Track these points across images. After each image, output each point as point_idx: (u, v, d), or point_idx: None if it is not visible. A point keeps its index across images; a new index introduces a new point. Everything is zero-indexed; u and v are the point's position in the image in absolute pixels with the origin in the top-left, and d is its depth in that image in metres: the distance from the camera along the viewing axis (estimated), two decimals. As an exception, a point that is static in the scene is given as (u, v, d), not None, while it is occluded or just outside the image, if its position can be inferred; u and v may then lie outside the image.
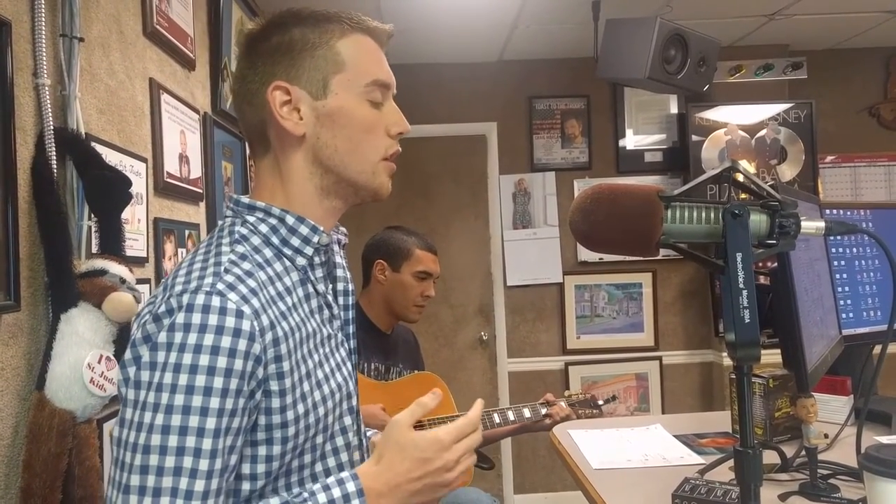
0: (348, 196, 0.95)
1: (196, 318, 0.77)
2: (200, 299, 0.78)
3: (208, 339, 0.77)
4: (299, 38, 0.90)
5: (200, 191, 2.23)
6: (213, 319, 0.77)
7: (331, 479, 0.84)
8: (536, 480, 3.92)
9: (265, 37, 0.92)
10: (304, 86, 0.90)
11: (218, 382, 0.76)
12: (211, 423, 0.76)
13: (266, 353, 0.80)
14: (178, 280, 0.82)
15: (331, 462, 0.91)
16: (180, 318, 0.77)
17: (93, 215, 1.46)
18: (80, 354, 1.29)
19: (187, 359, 0.76)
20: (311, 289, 0.92)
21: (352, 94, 0.91)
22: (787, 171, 3.79)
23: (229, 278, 0.81)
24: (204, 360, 0.76)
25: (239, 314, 0.78)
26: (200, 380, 0.76)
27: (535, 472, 3.93)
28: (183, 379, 0.76)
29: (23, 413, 1.28)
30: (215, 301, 0.78)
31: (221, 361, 0.76)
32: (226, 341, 0.77)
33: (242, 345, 0.78)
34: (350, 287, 1.04)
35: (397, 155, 0.96)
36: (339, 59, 0.90)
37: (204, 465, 0.75)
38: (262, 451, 0.83)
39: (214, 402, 0.76)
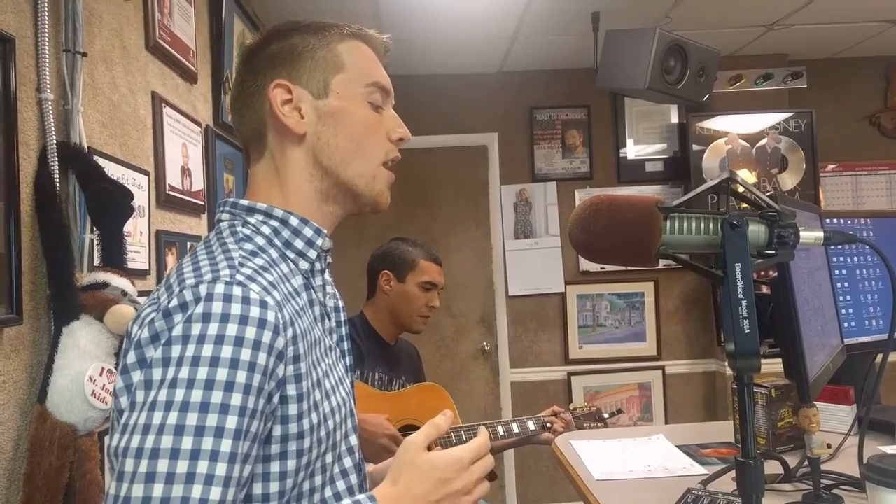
0: (347, 202, 0.93)
1: (217, 308, 0.71)
2: (220, 288, 0.73)
3: (231, 330, 0.71)
4: (300, 42, 0.91)
5: (202, 203, 2.24)
6: (236, 309, 0.72)
7: (346, 501, 0.79)
8: (540, 492, 3.90)
9: (266, 45, 0.93)
10: (306, 85, 0.90)
11: (241, 377, 0.70)
12: (232, 422, 0.69)
13: (287, 351, 0.75)
14: (186, 274, 0.77)
15: (340, 486, 0.86)
16: (199, 308, 0.72)
17: (95, 228, 1.46)
18: (82, 367, 1.29)
19: (207, 350, 0.69)
20: (313, 295, 0.90)
21: (353, 94, 0.91)
22: (788, 180, 3.80)
23: (246, 271, 0.77)
24: (227, 351, 0.70)
25: (263, 304, 0.74)
26: (222, 373, 0.69)
27: (539, 483, 3.91)
28: (202, 373, 0.69)
29: (24, 426, 1.28)
30: (237, 290, 0.73)
31: (246, 354, 0.70)
32: (250, 332, 0.71)
33: (267, 337, 0.72)
34: (340, 304, 1.01)
35: (397, 161, 0.95)
36: (340, 61, 0.91)
37: (221, 469, 0.68)
38: (275, 467, 0.77)
39: (237, 399, 0.69)
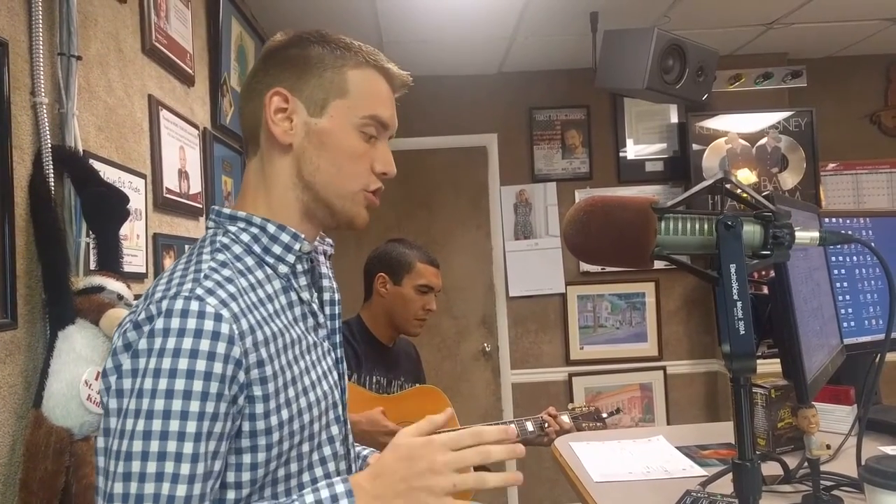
0: (325, 218, 0.97)
1: (174, 323, 0.78)
2: (179, 304, 0.79)
3: (187, 343, 0.77)
4: (314, 56, 0.94)
5: (200, 206, 2.24)
6: (191, 323, 0.78)
7: (321, 482, 0.83)
8: (541, 493, 3.89)
9: (285, 47, 0.95)
10: (304, 100, 0.93)
11: (197, 386, 0.77)
12: (192, 426, 0.76)
13: (247, 357, 0.81)
14: (159, 288, 0.84)
15: (318, 472, 0.92)
16: (159, 323, 0.79)
17: (90, 232, 1.46)
18: (78, 372, 1.29)
19: (166, 363, 0.77)
20: (294, 297, 0.94)
21: (346, 121, 0.93)
22: (789, 180, 3.79)
23: (208, 283, 0.83)
24: (183, 363, 0.77)
25: (217, 317, 0.79)
26: (180, 384, 0.76)
27: (540, 485, 3.90)
28: (163, 384, 0.76)
29: (20, 431, 1.28)
30: (193, 305, 0.79)
31: (200, 365, 0.77)
32: (204, 344, 0.78)
33: (221, 348, 0.79)
34: (336, 297, 1.04)
35: (380, 192, 0.98)
36: (345, 87, 0.93)
37: (185, 469, 0.76)
38: (246, 458, 0.83)
39: (195, 406, 0.77)
